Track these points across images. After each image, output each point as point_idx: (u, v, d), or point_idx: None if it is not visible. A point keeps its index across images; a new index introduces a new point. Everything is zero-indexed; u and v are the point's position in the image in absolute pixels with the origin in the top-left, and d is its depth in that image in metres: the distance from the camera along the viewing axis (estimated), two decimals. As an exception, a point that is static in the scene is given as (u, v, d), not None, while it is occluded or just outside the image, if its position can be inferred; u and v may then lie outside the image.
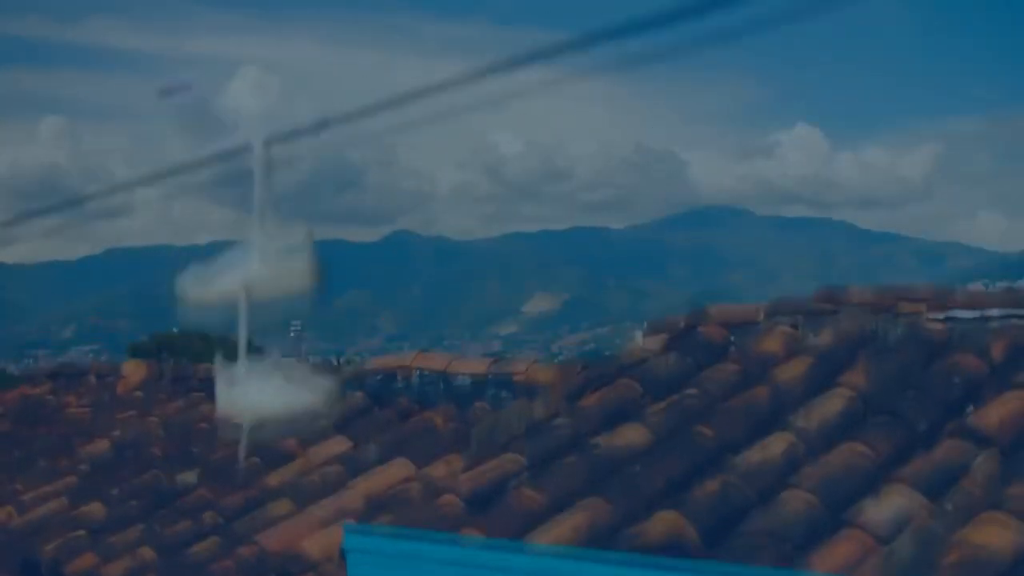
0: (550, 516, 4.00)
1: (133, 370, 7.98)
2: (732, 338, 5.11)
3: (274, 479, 5.54)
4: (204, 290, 1.82)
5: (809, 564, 3.36)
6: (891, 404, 4.11)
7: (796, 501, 3.63)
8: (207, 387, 7.17)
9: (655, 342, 5.30)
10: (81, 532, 5.53)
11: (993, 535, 3.17)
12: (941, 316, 4.61)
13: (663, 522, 3.72)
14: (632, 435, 4.40)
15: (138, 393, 7.63)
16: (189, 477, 5.87)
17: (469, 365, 6.06)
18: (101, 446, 6.79)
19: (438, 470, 5.22)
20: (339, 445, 5.79)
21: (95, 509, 5.84)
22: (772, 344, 4.88)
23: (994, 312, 4.48)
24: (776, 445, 4.03)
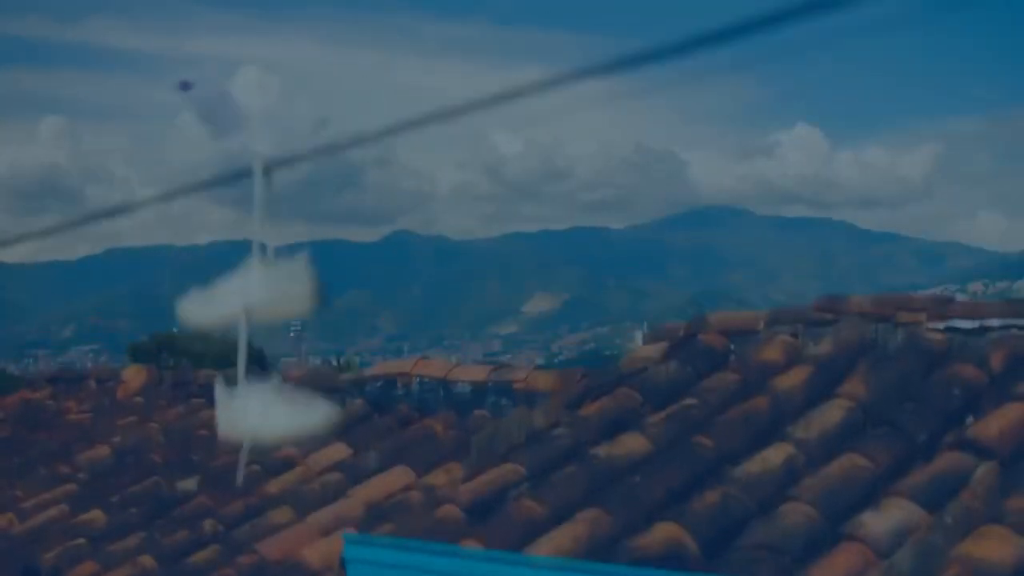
0: (550, 526, 4.01)
1: (133, 375, 7.98)
2: (732, 347, 5.12)
3: (274, 486, 5.55)
4: (204, 314, 1.83)
5: (809, 577, 3.37)
6: (890, 415, 4.12)
7: (795, 513, 3.64)
8: (207, 393, 7.17)
9: (655, 350, 5.31)
10: (81, 540, 5.53)
11: (993, 549, 3.17)
12: (941, 325, 4.61)
13: (663, 533, 3.73)
14: (632, 445, 4.40)
15: (138, 399, 7.63)
16: (189, 484, 5.87)
17: (469, 372, 6.07)
18: (101, 452, 6.79)
19: (438, 478, 5.22)
20: (339, 452, 5.79)
21: (95, 517, 5.84)
22: (772, 353, 4.89)
23: (994, 322, 4.49)
24: (776, 456, 4.03)
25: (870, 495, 3.66)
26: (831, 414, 4.21)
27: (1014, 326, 4.43)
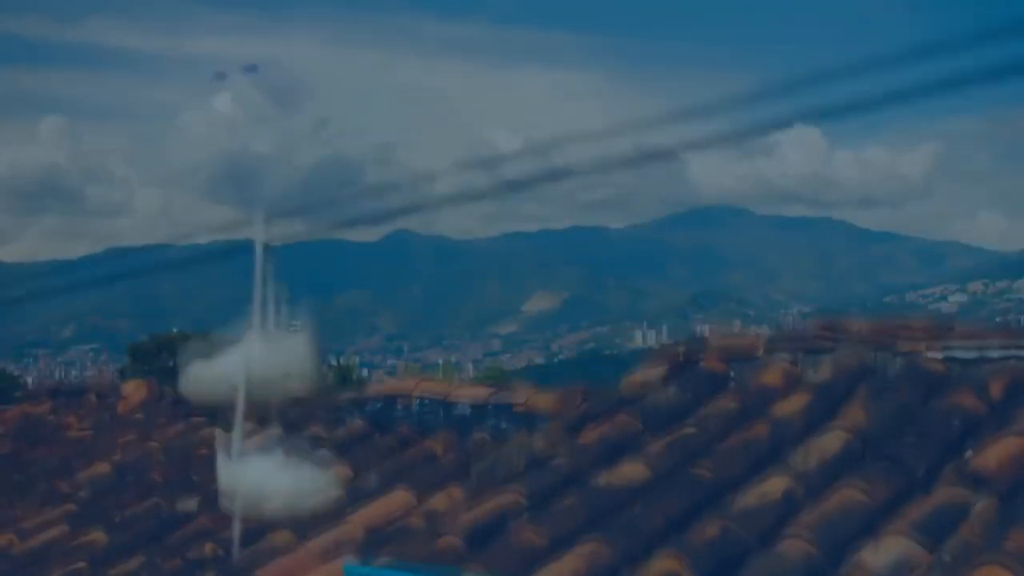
0: (550, 556, 4.01)
1: (133, 391, 7.99)
2: (732, 372, 5.13)
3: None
4: (207, 387, 1.84)
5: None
6: (889, 445, 4.12)
7: (794, 547, 3.65)
8: (207, 410, 7.18)
9: (654, 373, 5.32)
10: (82, 563, 5.54)
11: (991, 587, 3.18)
12: (940, 352, 4.62)
13: (662, 566, 3.74)
14: (631, 472, 4.41)
15: (138, 415, 7.64)
16: (189, 505, 5.88)
17: (469, 392, 6.07)
18: (101, 470, 6.80)
19: (438, 501, 5.23)
20: (340, 473, 5.78)
21: (96, 538, 5.84)
22: (771, 378, 4.90)
23: (993, 352, 4.50)
24: (775, 487, 4.04)
25: (868, 529, 3.66)
26: (830, 444, 4.21)
27: (1013, 356, 4.44)
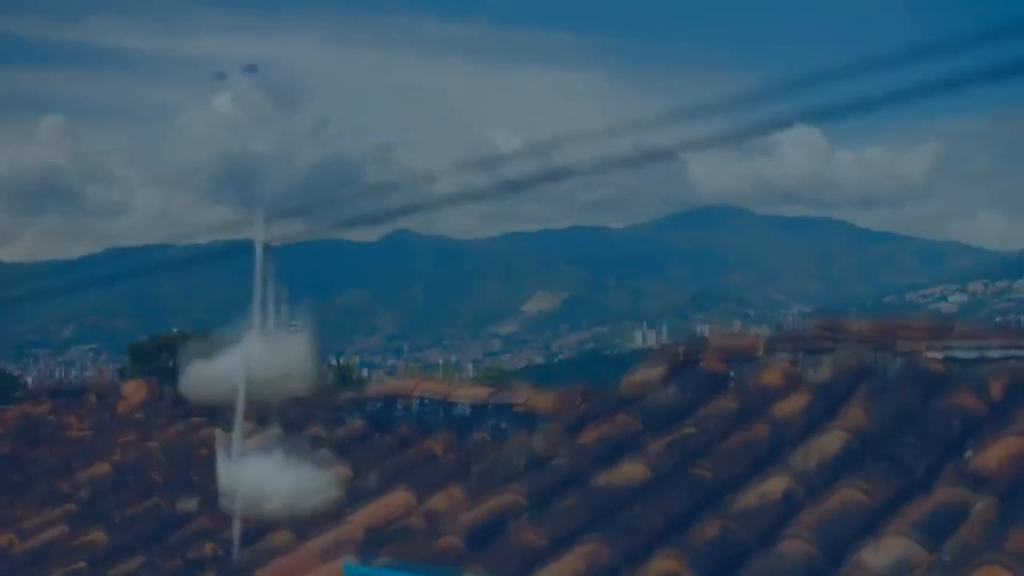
0: (550, 556, 4.01)
1: (133, 391, 7.99)
2: (732, 371, 5.13)
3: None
4: (207, 386, 1.84)
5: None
6: (889, 445, 4.12)
7: (794, 547, 3.65)
8: (207, 410, 7.18)
9: (655, 373, 5.32)
10: (82, 563, 5.54)
11: (991, 587, 3.18)
12: (940, 352, 4.62)
13: (662, 567, 3.74)
14: (631, 472, 4.41)
15: (138, 415, 7.64)
16: (189, 505, 5.87)
17: (469, 392, 6.07)
18: (101, 470, 6.80)
19: (438, 501, 5.23)
20: (340, 473, 5.78)
21: (96, 537, 5.84)
22: (771, 378, 4.90)
23: (992, 349, 4.50)
24: (775, 487, 4.04)
25: (868, 530, 3.66)
26: (830, 444, 4.21)
27: (1013, 355, 4.44)
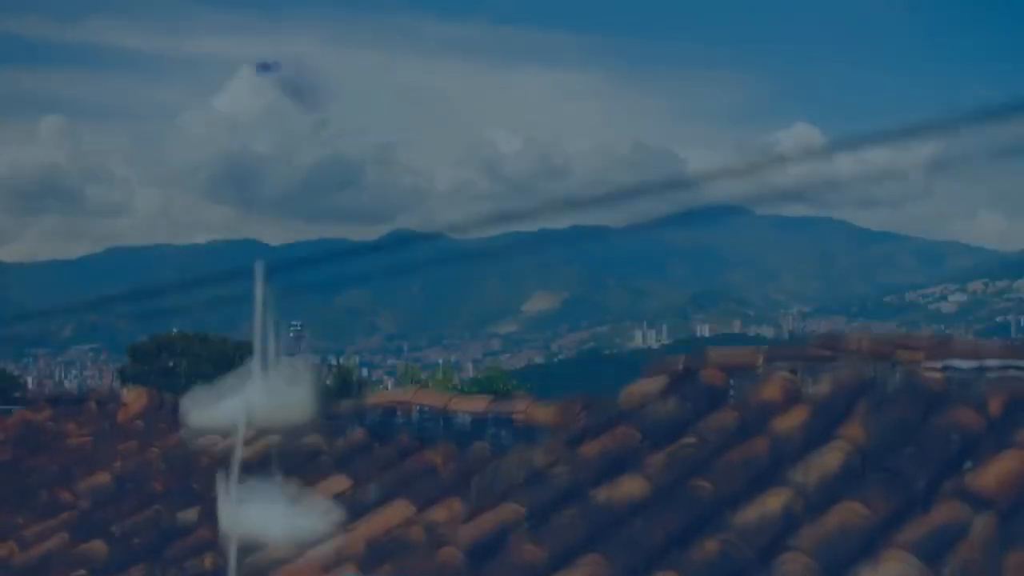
0: (550, 571, 4.02)
1: (134, 398, 8.00)
2: (731, 383, 5.14)
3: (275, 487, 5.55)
4: (209, 415, 1.85)
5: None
6: (889, 460, 4.13)
7: (794, 564, 3.65)
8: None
9: (654, 384, 5.33)
10: (82, 573, 5.55)
11: (990, 608, 3.19)
12: (939, 366, 4.63)
13: (662, 583, 3.74)
14: (631, 487, 4.42)
15: (139, 422, 7.65)
16: (190, 515, 5.88)
17: (469, 403, 6.08)
18: (102, 479, 6.80)
19: (438, 513, 5.23)
20: (340, 484, 5.80)
21: (96, 547, 5.85)
22: (771, 391, 4.90)
23: (992, 363, 4.50)
24: (774, 502, 4.05)
25: (868, 546, 3.67)
26: (830, 459, 4.22)
27: (1012, 368, 4.45)
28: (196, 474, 6.44)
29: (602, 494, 4.40)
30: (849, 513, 3.84)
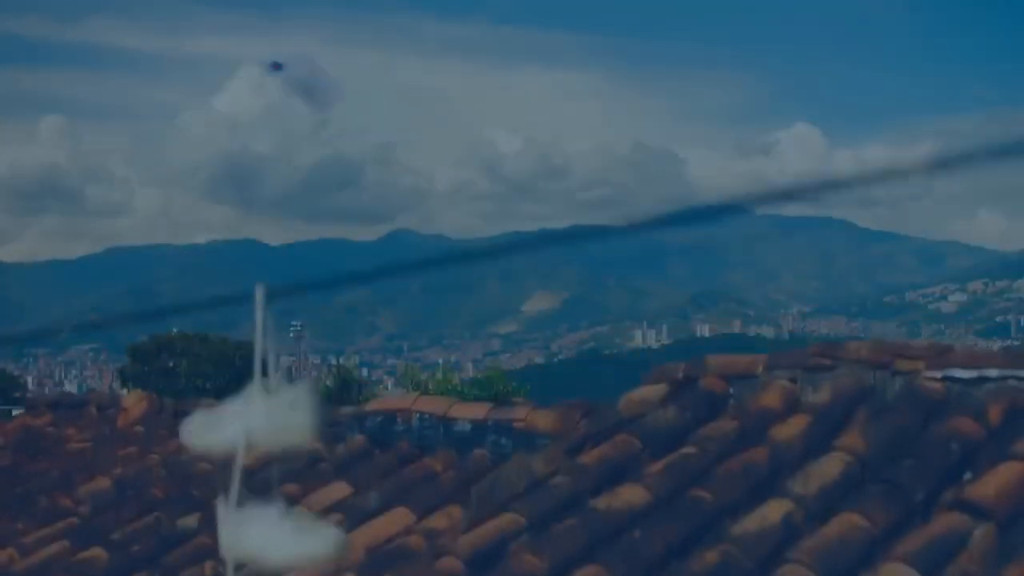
0: (550, 581, 4.03)
1: (134, 403, 8.00)
2: (731, 391, 5.14)
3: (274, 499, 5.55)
4: (208, 437, 1.85)
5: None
6: (889, 470, 4.13)
7: (795, 575, 3.65)
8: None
9: (654, 392, 5.33)
10: (82, 581, 5.55)
11: (990, 620, 3.19)
12: (939, 374, 4.63)
13: (662, 594, 3.75)
14: (631, 496, 4.42)
15: (139, 428, 7.65)
16: (190, 522, 5.88)
17: (469, 410, 6.08)
18: (102, 484, 6.80)
19: (438, 521, 5.24)
20: (340, 491, 5.80)
21: (96, 555, 5.85)
22: (771, 399, 4.91)
23: (991, 372, 4.50)
24: (774, 512, 4.05)
25: (868, 557, 3.67)
26: (830, 468, 4.22)
27: (1012, 376, 4.45)
28: (196, 480, 6.45)
29: (602, 503, 4.40)
30: (849, 524, 3.84)
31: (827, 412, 4.67)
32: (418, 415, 6.20)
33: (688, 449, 4.66)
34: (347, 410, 6.68)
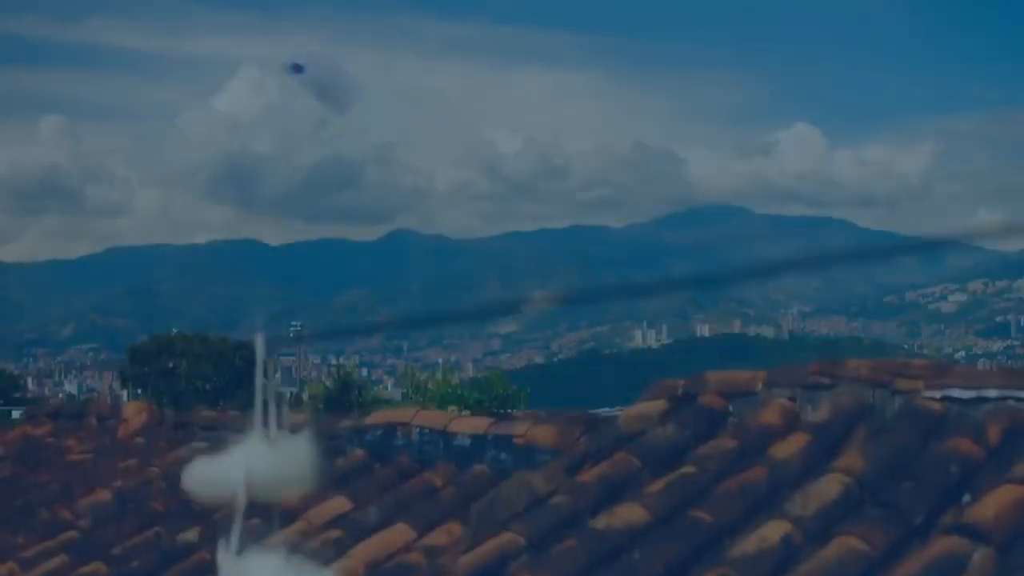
0: (549, 602, 4.03)
1: (134, 414, 8.01)
2: (730, 408, 5.15)
3: (275, 542, 5.56)
4: (209, 484, 1.86)
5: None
6: (888, 492, 4.14)
7: (793, 599, 3.66)
8: (208, 435, 7.20)
9: (654, 408, 5.33)
10: (83, 597, 5.56)
11: (988, 647, 3.20)
12: (938, 394, 4.63)
13: (661, 617, 3.75)
14: (630, 516, 4.43)
15: (139, 439, 7.66)
16: (191, 536, 5.89)
17: (469, 424, 6.08)
18: (102, 497, 6.81)
19: (438, 538, 5.24)
20: (340, 505, 5.80)
21: (96, 569, 5.86)
22: (770, 416, 4.91)
23: (990, 392, 4.51)
24: (773, 534, 4.05)
25: (867, 582, 3.68)
26: (828, 489, 4.22)
27: (1011, 397, 4.45)
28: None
29: (601, 522, 4.40)
30: (847, 547, 3.85)
31: (826, 430, 4.68)
32: (418, 429, 6.21)
33: (687, 468, 4.66)
34: (347, 423, 6.68)
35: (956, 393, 4.59)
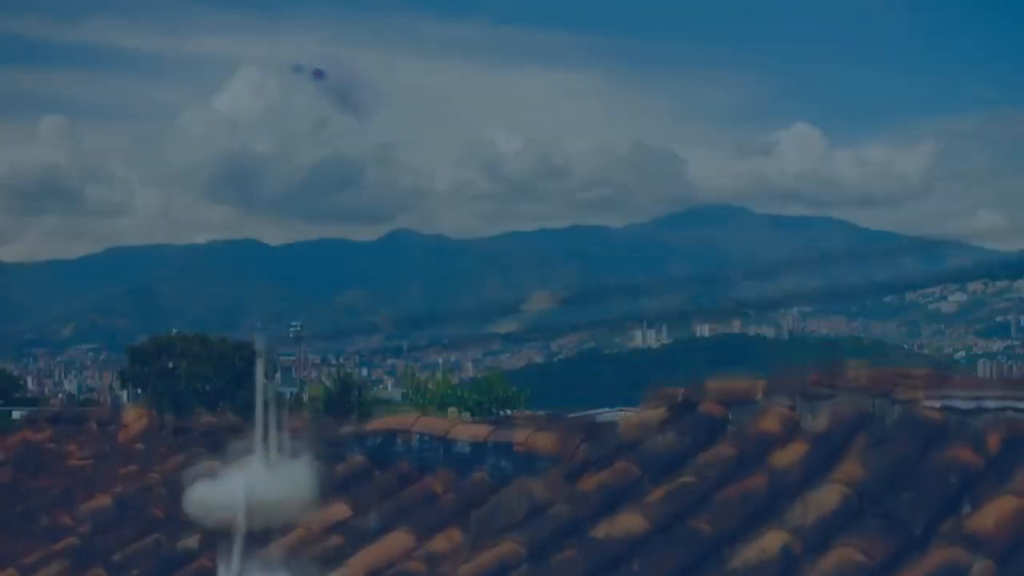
0: (549, 611, 4.04)
1: (134, 419, 8.02)
2: (730, 415, 5.16)
3: (275, 549, 5.56)
4: (211, 505, 1.87)
5: None
6: (887, 500, 4.14)
7: (793, 610, 3.67)
8: (208, 440, 7.21)
9: (654, 416, 5.34)
10: (83, 604, 5.56)
11: (987, 659, 3.20)
12: (938, 403, 4.64)
13: (661, 627, 3.76)
14: (630, 524, 4.43)
15: (139, 444, 7.66)
16: (191, 543, 5.89)
17: (469, 430, 6.09)
18: (102, 503, 6.82)
19: (438, 544, 5.24)
20: (340, 512, 5.81)
21: (97, 575, 5.86)
22: (770, 425, 4.92)
23: (990, 401, 4.52)
24: (773, 542, 4.06)
25: (866, 592, 3.68)
26: (828, 498, 4.23)
27: (1010, 407, 4.46)
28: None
29: (601, 531, 4.41)
30: (846, 557, 3.85)
31: (826, 439, 4.68)
32: (418, 435, 6.21)
33: (687, 477, 4.67)
34: (347, 428, 6.69)
35: (956, 402, 4.60)
